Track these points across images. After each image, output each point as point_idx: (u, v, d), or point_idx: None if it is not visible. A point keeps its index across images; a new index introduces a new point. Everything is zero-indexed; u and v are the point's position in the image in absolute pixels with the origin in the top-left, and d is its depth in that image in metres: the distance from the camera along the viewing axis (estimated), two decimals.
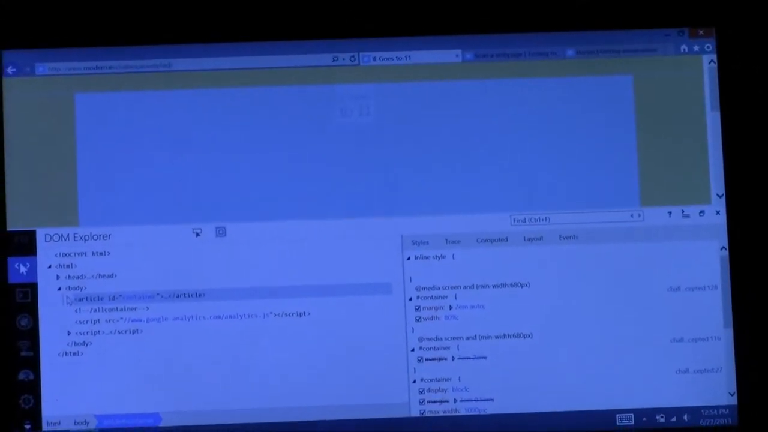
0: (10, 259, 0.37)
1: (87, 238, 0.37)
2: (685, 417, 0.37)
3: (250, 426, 0.37)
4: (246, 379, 0.37)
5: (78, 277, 0.37)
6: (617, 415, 0.37)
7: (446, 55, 0.37)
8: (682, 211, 0.37)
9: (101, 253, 0.37)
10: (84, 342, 0.37)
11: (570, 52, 0.37)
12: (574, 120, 0.37)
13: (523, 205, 0.37)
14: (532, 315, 0.37)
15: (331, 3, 0.37)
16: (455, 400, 0.37)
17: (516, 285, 0.37)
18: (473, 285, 0.37)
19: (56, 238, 0.37)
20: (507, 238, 0.37)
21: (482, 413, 0.37)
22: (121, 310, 0.37)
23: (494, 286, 0.37)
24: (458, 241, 0.37)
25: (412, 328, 0.37)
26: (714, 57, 0.37)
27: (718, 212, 0.37)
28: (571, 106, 0.37)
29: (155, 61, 0.37)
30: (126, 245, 0.37)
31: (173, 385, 0.37)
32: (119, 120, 0.37)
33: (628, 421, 0.37)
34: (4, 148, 0.37)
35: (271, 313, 0.37)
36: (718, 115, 0.37)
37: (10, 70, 0.37)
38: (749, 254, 0.37)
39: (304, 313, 0.37)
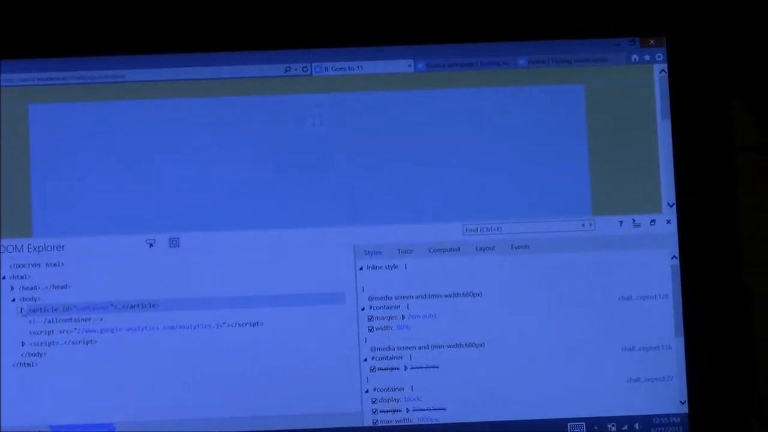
0: None
1: (41, 249, 0.37)
2: (637, 425, 0.37)
3: None
4: (199, 389, 0.37)
5: (32, 288, 0.37)
6: (569, 424, 0.37)
7: (398, 65, 0.38)
8: (633, 221, 0.37)
9: (55, 264, 0.37)
10: (38, 353, 0.37)
11: (522, 61, 0.38)
12: (526, 129, 0.37)
13: (475, 214, 0.37)
14: (484, 324, 0.37)
15: (284, 14, 0.37)
16: (408, 410, 0.37)
17: (468, 294, 0.37)
18: (425, 295, 0.37)
19: (10, 249, 0.37)
20: (459, 248, 0.37)
21: (435, 422, 0.37)
22: (75, 320, 0.37)
23: (446, 296, 0.37)
24: (410, 251, 0.37)
25: (365, 338, 0.37)
26: (665, 66, 0.38)
27: (668, 221, 0.37)
28: (523, 115, 0.37)
29: (109, 72, 0.37)
30: (79, 256, 0.37)
31: (127, 395, 0.37)
32: (73, 131, 0.37)
33: (580, 429, 0.37)
34: None
35: (224, 323, 0.37)
36: (668, 123, 0.37)
37: None
38: (700, 263, 0.37)
39: (258, 323, 0.37)
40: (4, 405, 0.37)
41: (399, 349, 0.37)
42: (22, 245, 0.37)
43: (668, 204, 0.37)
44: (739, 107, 0.38)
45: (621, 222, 0.37)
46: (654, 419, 0.37)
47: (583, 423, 0.37)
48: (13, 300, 0.37)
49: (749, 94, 0.38)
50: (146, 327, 0.37)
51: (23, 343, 0.37)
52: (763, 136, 0.38)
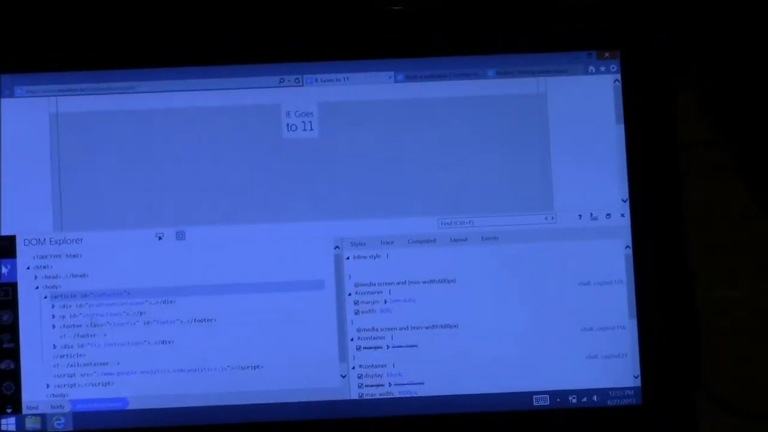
0: None
1: (61, 242, 0.41)
2: (595, 398, 0.41)
3: (203, 409, 0.41)
4: (203, 366, 0.41)
5: (53, 277, 0.41)
6: (534, 396, 0.41)
7: (381, 77, 0.42)
8: (591, 214, 0.41)
9: (74, 256, 0.41)
10: (59, 335, 0.41)
11: (491, 72, 0.42)
12: (495, 133, 0.41)
13: (449, 209, 0.41)
14: (457, 308, 0.41)
15: (279, 32, 0.42)
16: (390, 384, 0.41)
17: (443, 281, 0.41)
18: (405, 281, 0.41)
19: (34, 242, 0.41)
20: (435, 240, 0.41)
21: (414, 395, 0.41)
22: (92, 306, 0.41)
23: (424, 282, 0.41)
24: (392, 242, 0.41)
25: (351, 320, 0.41)
26: (618, 77, 0.42)
27: (622, 215, 0.41)
28: (491, 120, 0.41)
29: (121, 84, 0.42)
30: (96, 248, 0.41)
31: (138, 373, 0.41)
32: (89, 137, 0.41)
33: (544, 401, 0.41)
34: None
35: (225, 307, 0.41)
36: (622, 128, 0.41)
37: None
38: (650, 252, 0.41)
39: (256, 307, 0.41)
40: (29, 381, 0.41)
41: (382, 330, 0.41)
42: (44, 239, 0.41)
43: (622, 199, 0.41)
44: (685, 111, 0.42)
45: (580, 216, 0.41)
46: (610, 392, 0.41)
47: (547, 395, 0.41)
48: (37, 288, 0.41)
49: (696, 98, 0.42)
50: (156, 311, 0.41)
51: (46, 326, 0.41)
52: (706, 136, 0.42)
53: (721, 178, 0.43)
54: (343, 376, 0.41)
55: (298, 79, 0.42)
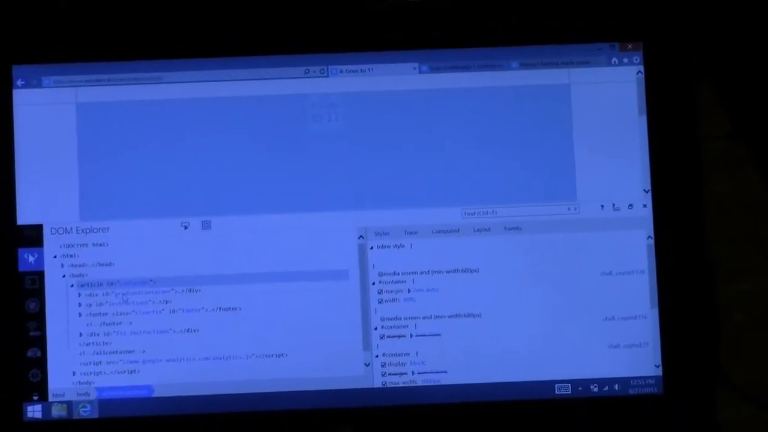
0: (19, 250, 0.41)
1: (88, 231, 0.41)
2: (616, 387, 0.41)
3: (228, 396, 0.41)
4: (228, 354, 0.41)
5: (80, 266, 0.41)
6: (556, 385, 0.41)
7: (405, 68, 0.42)
8: (613, 205, 0.41)
9: (100, 245, 0.41)
10: (86, 323, 0.41)
11: (514, 64, 0.42)
12: (518, 124, 0.42)
13: (473, 199, 0.41)
14: (480, 297, 0.41)
15: (305, 23, 0.42)
16: (413, 373, 0.41)
17: (467, 270, 0.41)
18: (429, 271, 0.41)
19: (61, 231, 0.42)
20: (459, 229, 0.41)
21: (437, 384, 0.41)
22: (118, 294, 0.41)
23: (447, 272, 0.41)
24: (415, 232, 0.41)
25: (375, 309, 0.41)
26: (641, 68, 0.42)
27: (645, 205, 0.41)
28: (515, 112, 0.42)
29: (147, 74, 0.42)
30: (122, 237, 0.41)
31: (163, 361, 0.41)
32: (116, 126, 0.42)
33: (566, 390, 0.41)
34: (15, 151, 0.41)
35: (250, 296, 0.41)
36: (644, 119, 0.42)
37: (19, 82, 0.42)
38: (672, 243, 0.41)
39: (281, 296, 0.41)
40: (55, 369, 0.41)
41: (405, 319, 0.41)
42: (71, 228, 0.41)
43: (644, 190, 0.42)
44: (707, 103, 0.43)
45: (602, 206, 0.41)
46: (632, 381, 0.41)
47: (569, 384, 0.41)
48: (64, 276, 0.41)
49: (716, 91, 0.43)
50: (180, 300, 0.41)
51: (72, 314, 0.41)
52: (727, 129, 0.42)
53: (737, 171, 0.43)
54: (367, 365, 0.41)
55: (323, 69, 0.42)
